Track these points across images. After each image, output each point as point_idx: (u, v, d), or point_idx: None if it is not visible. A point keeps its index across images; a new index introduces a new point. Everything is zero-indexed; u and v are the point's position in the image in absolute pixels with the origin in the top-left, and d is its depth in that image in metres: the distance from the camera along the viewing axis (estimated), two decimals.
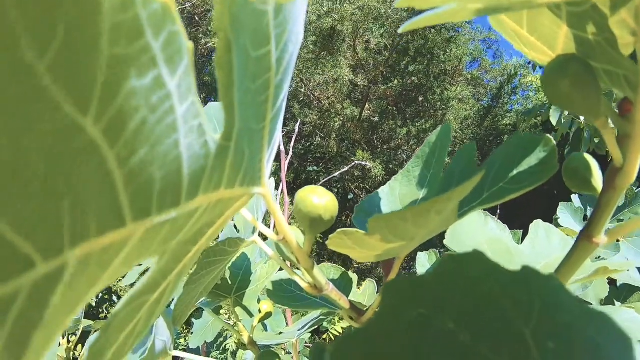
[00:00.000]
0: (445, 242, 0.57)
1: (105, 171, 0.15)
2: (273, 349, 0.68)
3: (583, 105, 0.25)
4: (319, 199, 0.30)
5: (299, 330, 0.75)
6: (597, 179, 0.33)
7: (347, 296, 0.54)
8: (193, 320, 1.01)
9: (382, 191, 0.45)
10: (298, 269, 0.42)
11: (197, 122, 0.19)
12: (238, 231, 0.69)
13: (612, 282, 1.31)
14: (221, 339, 2.35)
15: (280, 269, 0.66)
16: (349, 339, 0.15)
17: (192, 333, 0.99)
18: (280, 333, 0.83)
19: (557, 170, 0.29)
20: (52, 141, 0.13)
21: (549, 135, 0.31)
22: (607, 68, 0.27)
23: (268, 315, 0.68)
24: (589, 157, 0.34)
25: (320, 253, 7.28)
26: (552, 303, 0.16)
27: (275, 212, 0.30)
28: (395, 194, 0.43)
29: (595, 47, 0.27)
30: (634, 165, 0.27)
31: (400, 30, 0.23)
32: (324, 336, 4.18)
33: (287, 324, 1.16)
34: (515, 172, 0.31)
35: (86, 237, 0.15)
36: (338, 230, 0.29)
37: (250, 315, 0.72)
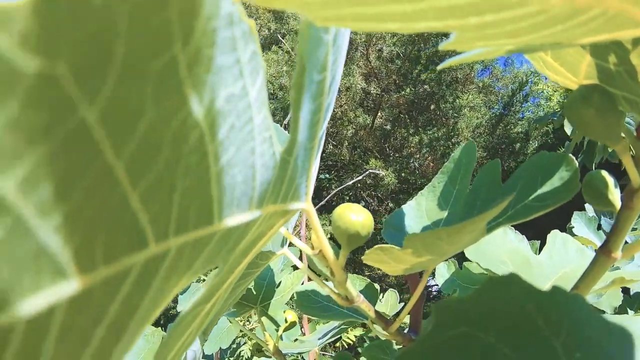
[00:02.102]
0: (466, 253, 0.59)
1: (205, 166, 0.17)
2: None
3: (604, 133, 0.27)
4: (357, 216, 0.32)
5: (319, 339, 0.77)
6: (615, 196, 0.35)
7: (374, 306, 0.56)
8: None
9: (409, 206, 0.47)
10: (327, 280, 0.44)
11: (268, 134, 0.21)
12: None
13: (625, 290, 1.32)
14: (234, 346, 2.33)
15: (309, 279, 0.68)
16: (409, 353, 0.18)
17: (206, 339, 1.00)
18: (296, 340, 0.84)
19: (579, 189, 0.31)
20: (171, 140, 0.14)
21: (571, 155, 0.33)
22: (626, 95, 0.29)
23: (293, 324, 0.70)
24: (607, 175, 0.36)
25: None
26: (577, 320, 0.19)
27: (317, 228, 0.32)
28: (421, 209, 0.45)
29: (615, 76, 0.29)
30: None
31: (439, 67, 0.25)
32: (337, 344, 4.16)
33: (302, 331, 1.18)
34: (539, 191, 0.33)
35: (186, 229, 0.17)
36: (375, 246, 0.31)
37: (277, 325, 0.74)
